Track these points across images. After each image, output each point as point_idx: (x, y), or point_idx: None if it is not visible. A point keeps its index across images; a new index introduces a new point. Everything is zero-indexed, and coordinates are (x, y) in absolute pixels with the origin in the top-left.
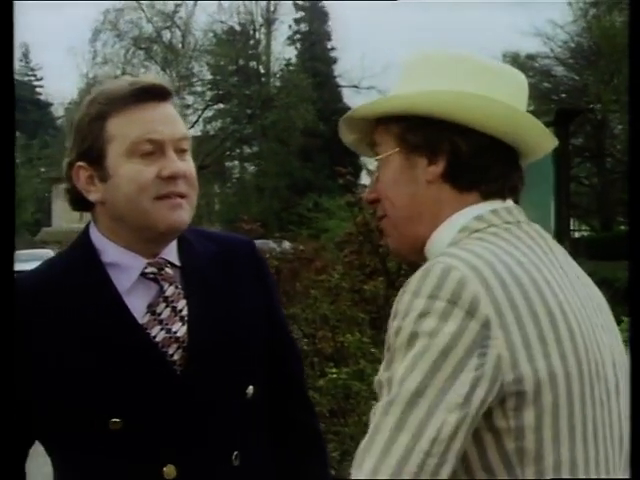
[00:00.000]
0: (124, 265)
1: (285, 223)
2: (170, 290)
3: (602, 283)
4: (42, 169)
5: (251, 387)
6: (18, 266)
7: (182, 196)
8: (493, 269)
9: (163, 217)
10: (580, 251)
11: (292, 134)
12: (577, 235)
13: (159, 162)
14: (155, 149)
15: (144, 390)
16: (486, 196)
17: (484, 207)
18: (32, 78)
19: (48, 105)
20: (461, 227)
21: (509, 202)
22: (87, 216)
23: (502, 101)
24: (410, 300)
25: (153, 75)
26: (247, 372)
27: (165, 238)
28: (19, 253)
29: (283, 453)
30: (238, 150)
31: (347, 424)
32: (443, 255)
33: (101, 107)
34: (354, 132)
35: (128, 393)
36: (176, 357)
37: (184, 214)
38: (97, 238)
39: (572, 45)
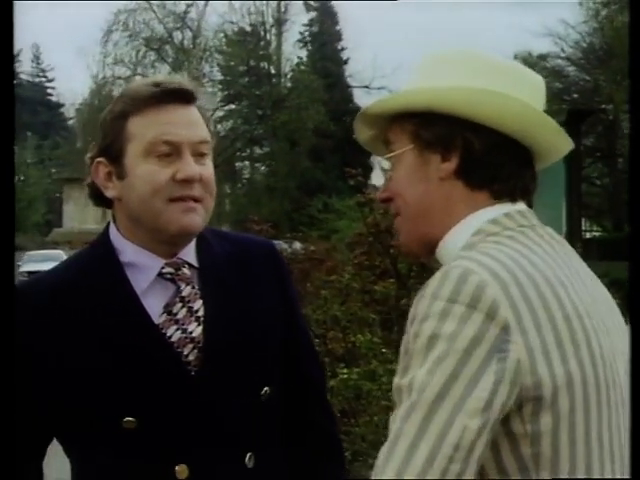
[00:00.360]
0: (142, 265)
1: (296, 224)
2: (187, 290)
3: (614, 284)
4: (53, 170)
5: (266, 388)
6: (29, 266)
7: (197, 200)
8: (511, 273)
9: (175, 219)
10: (592, 252)
11: (303, 135)
12: (589, 236)
13: (175, 164)
14: (172, 151)
15: (158, 390)
16: (498, 195)
17: (498, 210)
18: (43, 79)
19: (59, 106)
20: (475, 230)
21: (521, 205)
22: (97, 217)
23: (516, 98)
24: (429, 304)
25: (181, 77)
26: (262, 373)
27: (177, 240)
28: (30, 254)
29: (299, 456)
30: (249, 150)
31: (358, 424)
32: (461, 258)
33: (124, 106)
34: (369, 130)
35: (142, 392)
36: (191, 357)
37: (197, 218)
38: (115, 237)
39: (584, 45)
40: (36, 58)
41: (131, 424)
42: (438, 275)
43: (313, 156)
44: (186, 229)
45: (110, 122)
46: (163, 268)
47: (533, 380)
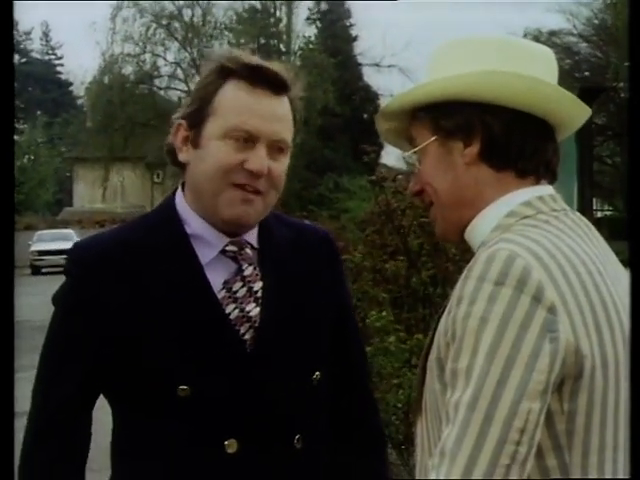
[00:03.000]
0: (207, 239)
1: (305, 203)
2: (249, 270)
3: (625, 263)
4: (63, 149)
5: (317, 372)
6: (40, 246)
7: (258, 192)
8: (553, 257)
9: (231, 206)
10: (603, 231)
11: (312, 113)
12: (600, 215)
13: (248, 152)
14: (249, 138)
15: (214, 363)
16: (523, 173)
17: (530, 192)
18: (52, 57)
19: (68, 84)
20: (508, 212)
21: (549, 188)
22: (108, 197)
23: (527, 75)
24: (476, 286)
25: (279, 65)
26: (314, 357)
27: (227, 227)
28: (40, 233)
29: (340, 444)
30: None
31: None
32: (503, 241)
33: (218, 76)
34: (390, 127)
35: (199, 363)
36: (247, 336)
37: (252, 211)
38: (182, 208)
39: (596, 22)
40: (45, 35)
41: (185, 392)
42: (483, 257)
43: (322, 135)
44: (238, 219)
45: (199, 90)
46: (227, 245)
47: (576, 359)
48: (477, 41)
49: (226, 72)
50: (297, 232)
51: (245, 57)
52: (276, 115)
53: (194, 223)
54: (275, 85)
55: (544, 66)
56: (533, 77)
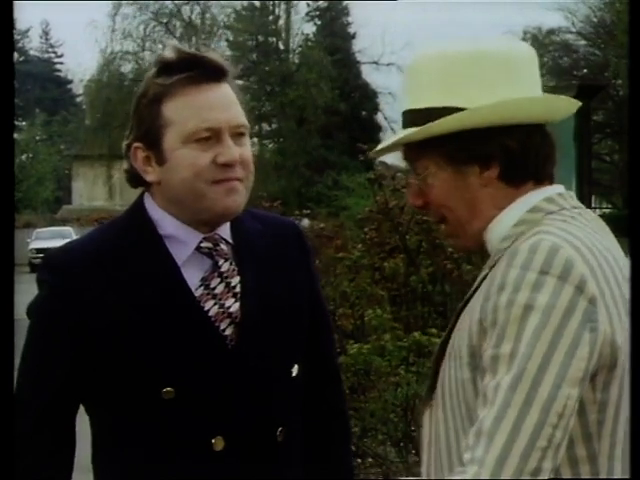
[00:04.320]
0: (180, 238)
1: (304, 201)
2: (225, 266)
3: None
4: (62, 146)
5: (296, 365)
6: (38, 244)
7: (238, 179)
8: (590, 251)
9: (219, 200)
10: None
11: (311, 111)
12: (599, 212)
13: (215, 148)
14: (212, 135)
15: (196, 361)
16: (539, 181)
17: (549, 190)
18: (52, 55)
19: (68, 82)
20: (531, 207)
21: (561, 187)
22: (107, 195)
23: (541, 97)
24: (520, 274)
25: (209, 52)
26: (294, 351)
27: (220, 220)
28: (39, 231)
29: (310, 433)
30: (257, 127)
31: (367, 400)
32: (543, 233)
33: (157, 89)
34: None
35: (181, 363)
36: (228, 332)
37: (239, 198)
38: (154, 210)
39: (594, 20)
40: (45, 34)
41: (170, 394)
42: (524, 247)
43: (322, 133)
44: (230, 210)
45: (144, 107)
46: (201, 242)
47: (611, 350)
48: (468, 57)
49: (163, 82)
50: (268, 225)
51: (176, 53)
52: (227, 102)
53: (166, 224)
54: (215, 73)
55: (535, 69)
56: (547, 97)
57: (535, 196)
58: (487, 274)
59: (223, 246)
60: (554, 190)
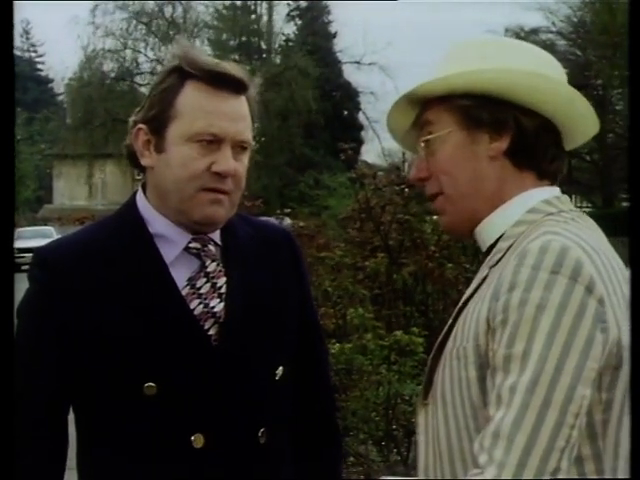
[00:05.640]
0: (170, 237)
1: (286, 200)
2: (212, 266)
3: None
4: (43, 146)
5: (281, 367)
6: (20, 243)
7: (225, 192)
8: (596, 252)
9: (201, 208)
10: None
11: (293, 111)
12: None
13: (213, 155)
14: (214, 140)
15: (179, 358)
16: (542, 176)
17: (547, 192)
18: (33, 54)
19: (49, 81)
20: (530, 208)
21: (559, 190)
22: (89, 194)
23: (566, 84)
24: (531, 274)
25: (234, 65)
26: (278, 353)
27: (198, 228)
28: (21, 230)
29: (299, 437)
30: None
31: (348, 399)
32: (550, 234)
33: (175, 81)
34: (402, 118)
35: (164, 360)
36: (212, 332)
37: (222, 210)
38: (145, 208)
39: (574, 20)
40: (26, 33)
41: (152, 390)
42: (534, 247)
43: (303, 132)
44: (209, 219)
45: (159, 93)
46: (190, 242)
47: (617, 350)
48: (500, 40)
49: (185, 75)
50: (259, 230)
51: (202, 59)
52: (239, 115)
53: (157, 223)
54: (235, 86)
55: (564, 75)
56: (572, 89)
57: (534, 197)
58: (487, 274)
59: (211, 247)
60: (552, 193)
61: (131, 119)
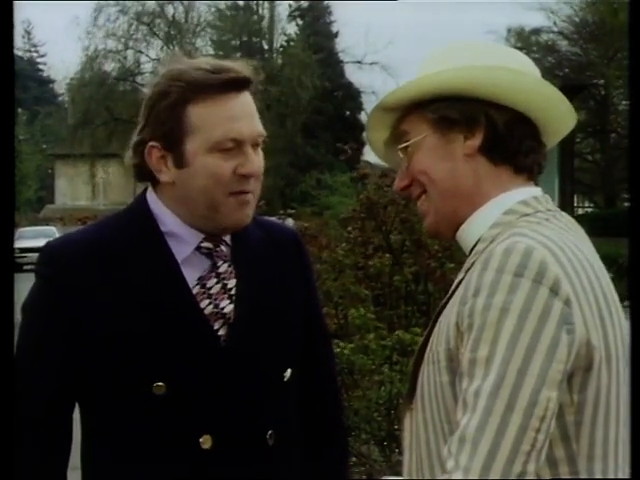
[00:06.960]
0: (182, 237)
1: (288, 200)
2: (223, 267)
3: (605, 259)
4: (44, 146)
5: (289, 369)
6: (22, 243)
7: (250, 192)
8: (564, 252)
9: (232, 213)
10: (584, 227)
11: (295, 111)
12: (581, 211)
13: (237, 158)
14: (235, 145)
15: (189, 358)
16: (519, 170)
17: (526, 192)
18: (34, 55)
19: (50, 81)
20: (506, 210)
21: (539, 190)
22: (91, 194)
23: (533, 75)
24: (495, 277)
25: (235, 62)
26: (287, 355)
27: (229, 232)
28: (22, 230)
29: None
30: None
31: (351, 399)
32: (517, 235)
33: (181, 93)
34: (380, 128)
35: (174, 358)
36: (221, 332)
37: (249, 211)
38: (156, 206)
39: (576, 20)
40: (27, 33)
41: (161, 389)
42: (499, 250)
43: (305, 132)
44: (241, 223)
45: (166, 109)
46: (202, 242)
47: (587, 351)
48: (473, 44)
49: (189, 90)
50: (267, 230)
51: (200, 73)
52: (250, 111)
53: (169, 221)
54: (240, 83)
55: (537, 71)
56: (537, 78)
57: (511, 198)
58: (463, 278)
59: (223, 247)
60: (530, 193)
61: (135, 137)
